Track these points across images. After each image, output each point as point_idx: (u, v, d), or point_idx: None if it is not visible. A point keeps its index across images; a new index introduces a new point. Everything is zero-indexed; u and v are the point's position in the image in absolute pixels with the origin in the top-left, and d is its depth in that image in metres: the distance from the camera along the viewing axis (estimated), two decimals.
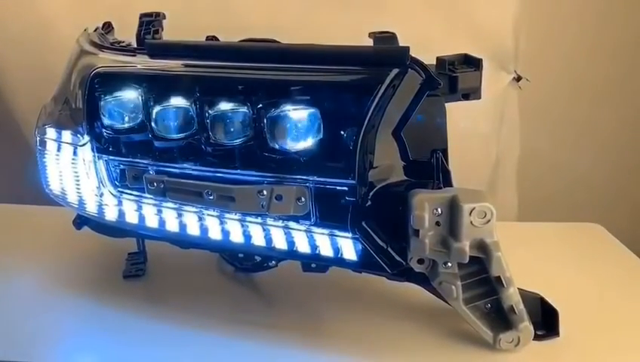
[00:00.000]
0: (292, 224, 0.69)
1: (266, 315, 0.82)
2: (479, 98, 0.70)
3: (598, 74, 1.22)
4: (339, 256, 0.68)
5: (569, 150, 1.28)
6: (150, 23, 0.79)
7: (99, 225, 0.82)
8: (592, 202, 1.28)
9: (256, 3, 1.13)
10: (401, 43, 0.68)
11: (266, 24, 1.08)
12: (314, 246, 0.69)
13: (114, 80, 0.72)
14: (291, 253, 0.71)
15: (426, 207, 0.64)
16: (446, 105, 0.69)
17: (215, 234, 0.73)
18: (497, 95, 1.17)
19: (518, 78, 1.17)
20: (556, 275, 0.88)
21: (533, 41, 1.16)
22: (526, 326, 0.70)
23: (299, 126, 0.65)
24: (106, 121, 0.73)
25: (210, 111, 0.67)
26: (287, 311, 0.82)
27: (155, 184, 0.72)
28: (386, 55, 0.63)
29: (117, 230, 0.81)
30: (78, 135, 0.76)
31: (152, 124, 0.70)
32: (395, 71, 0.61)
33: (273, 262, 0.83)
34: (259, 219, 0.70)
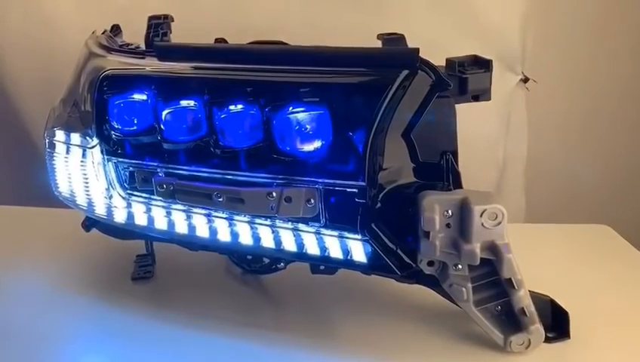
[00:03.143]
0: (301, 226, 0.69)
1: (275, 317, 0.82)
2: (489, 99, 0.70)
3: (606, 75, 1.22)
4: (348, 257, 0.68)
5: (576, 151, 1.28)
6: (159, 25, 0.79)
7: (108, 227, 0.82)
8: (599, 203, 1.27)
9: (264, 5, 1.13)
10: (408, 45, 0.68)
11: (274, 26, 1.08)
12: (323, 248, 0.69)
13: (123, 82, 0.73)
14: (300, 255, 0.70)
15: (436, 208, 0.64)
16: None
17: (224, 236, 0.73)
18: (504, 96, 1.17)
19: (526, 80, 1.17)
20: (565, 277, 0.87)
21: (540, 41, 1.16)
22: (537, 329, 0.69)
23: (308, 128, 0.65)
24: (115, 124, 0.73)
25: (219, 113, 0.67)
26: (296, 313, 0.82)
27: (165, 186, 0.71)
28: (395, 56, 0.63)
29: (126, 232, 0.81)
30: (87, 137, 0.76)
31: (161, 127, 0.70)
32: (405, 72, 0.61)
33: (282, 264, 0.83)
34: (268, 221, 0.70)
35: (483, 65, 0.69)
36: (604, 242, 1.03)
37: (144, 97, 0.71)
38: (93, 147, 0.76)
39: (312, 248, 0.69)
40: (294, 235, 0.69)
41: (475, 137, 1.11)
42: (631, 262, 0.97)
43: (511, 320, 0.70)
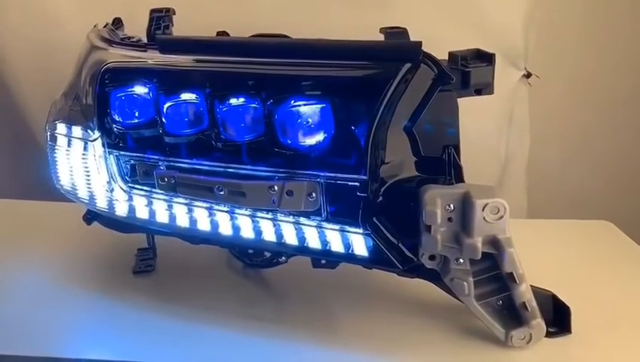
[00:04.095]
0: (303, 220, 0.69)
1: (276, 311, 0.82)
2: (492, 93, 0.70)
3: (610, 70, 1.22)
4: (349, 251, 0.68)
5: (579, 147, 1.28)
6: (160, 18, 0.79)
7: (109, 220, 0.82)
8: (601, 199, 1.27)
9: None
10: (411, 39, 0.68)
11: (276, 19, 1.08)
12: (325, 242, 0.69)
13: (125, 75, 0.72)
14: (302, 249, 0.71)
15: (438, 202, 0.64)
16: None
17: (225, 229, 0.73)
18: (507, 92, 1.16)
19: (528, 75, 1.16)
20: (567, 272, 0.87)
21: (543, 37, 1.16)
22: (538, 323, 0.69)
23: (310, 121, 0.65)
24: (117, 117, 0.73)
25: (221, 106, 0.67)
26: (297, 307, 0.82)
27: (166, 179, 0.71)
28: (398, 50, 0.63)
29: (127, 225, 0.81)
30: (89, 130, 0.76)
31: (163, 120, 0.70)
32: (408, 65, 0.61)
33: (283, 258, 0.83)
34: (269, 215, 0.70)
35: (486, 58, 0.69)
36: (605, 238, 1.03)
37: (146, 90, 0.71)
38: (94, 140, 0.76)
39: (313, 242, 0.69)
40: (296, 229, 0.69)
41: (476, 132, 1.11)
42: (632, 257, 0.97)
43: (512, 315, 0.70)
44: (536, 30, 1.15)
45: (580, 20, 1.20)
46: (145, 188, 0.76)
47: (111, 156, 0.75)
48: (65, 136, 0.79)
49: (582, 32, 1.21)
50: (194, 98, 0.69)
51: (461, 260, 0.66)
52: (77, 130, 0.77)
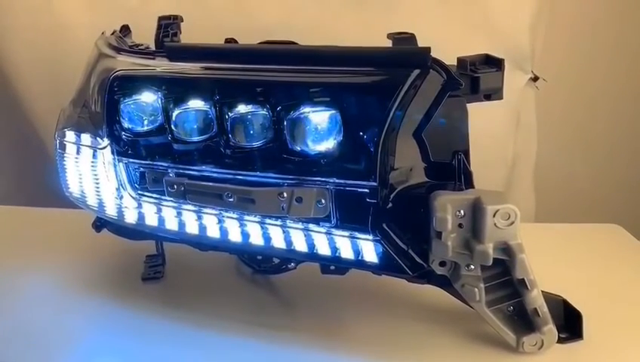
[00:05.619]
0: (312, 226, 0.69)
1: (285, 317, 0.82)
2: (501, 98, 0.69)
3: (617, 73, 1.21)
4: (359, 258, 0.68)
5: (586, 150, 1.27)
6: (168, 25, 0.79)
7: (118, 227, 0.83)
8: (610, 203, 1.26)
9: (274, 5, 1.13)
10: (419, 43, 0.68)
11: (284, 26, 1.07)
12: (334, 249, 0.69)
13: (134, 83, 0.73)
14: (311, 255, 0.70)
15: (448, 208, 0.63)
16: None
17: (235, 236, 0.73)
18: (514, 95, 1.16)
19: (535, 78, 1.16)
20: (577, 277, 0.87)
21: (550, 40, 1.15)
22: (550, 329, 0.69)
23: (319, 128, 0.65)
24: (126, 124, 0.73)
25: (229, 113, 0.67)
26: (306, 313, 0.82)
27: (175, 186, 0.72)
28: (407, 56, 0.63)
29: (136, 232, 0.81)
30: (98, 138, 0.76)
31: (172, 127, 0.70)
32: (417, 72, 0.61)
33: (292, 264, 0.83)
34: (279, 222, 0.70)
35: (495, 64, 0.68)
36: (615, 241, 1.03)
37: (154, 98, 0.71)
38: (103, 148, 0.76)
39: (323, 248, 0.69)
40: (305, 235, 0.69)
41: (484, 136, 1.09)
42: None
43: (523, 321, 0.70)
44: (543, 33, 1.14)
45: (587, 23, 1.20)
46: (154, 195, 0.76)
47: (120, 163, 0.76)
48: (74, 143, 0.79)
49: (589, 34, 1.20)
50: (202, 105, 0.69)
51: (472, 266, 0.66)
52: (86, 138, 0.78)
